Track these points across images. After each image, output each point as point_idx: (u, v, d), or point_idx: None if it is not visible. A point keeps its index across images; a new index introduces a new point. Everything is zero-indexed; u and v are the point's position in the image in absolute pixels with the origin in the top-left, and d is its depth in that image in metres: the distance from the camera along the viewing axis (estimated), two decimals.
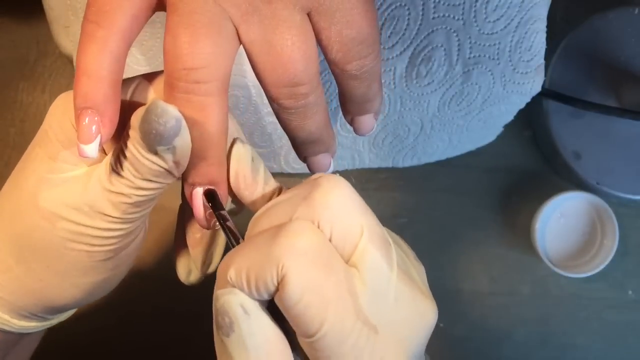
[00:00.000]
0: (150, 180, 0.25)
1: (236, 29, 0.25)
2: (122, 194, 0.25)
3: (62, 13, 0.41)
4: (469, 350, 0.55)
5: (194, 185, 0.27)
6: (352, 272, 0.23)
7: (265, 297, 0.23)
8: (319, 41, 0.27)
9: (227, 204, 0.29)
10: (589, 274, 0.52)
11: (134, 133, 0.24)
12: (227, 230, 0.26)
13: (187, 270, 0.31)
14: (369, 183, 0.55)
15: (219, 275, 0.24)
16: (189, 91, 0.25)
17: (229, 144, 0.28)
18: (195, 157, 0.26)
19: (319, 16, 0.26)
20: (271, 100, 0.27)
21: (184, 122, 0.24)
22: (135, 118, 0.24)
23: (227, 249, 0.29)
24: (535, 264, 0.54)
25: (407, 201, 0.55)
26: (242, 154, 0.28)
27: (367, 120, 0.31)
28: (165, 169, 0.25)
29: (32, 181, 0.27)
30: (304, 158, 0.31)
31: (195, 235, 0.31)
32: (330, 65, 0.28)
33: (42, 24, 0.43)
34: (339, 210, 0.24)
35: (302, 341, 0.23)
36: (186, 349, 0.53)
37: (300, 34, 0.25)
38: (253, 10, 0.25)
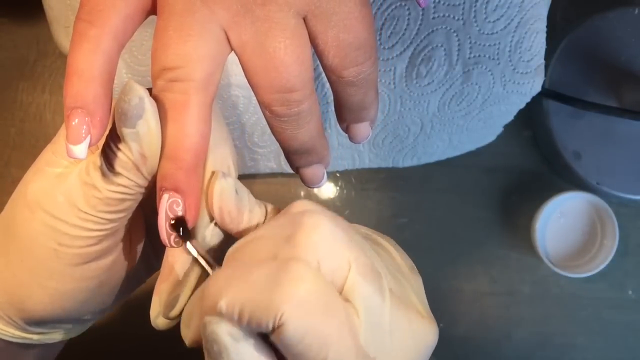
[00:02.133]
0: (120, 174, 0.25)
1: (226, 33, 0.25)
2: (94, 186, 0.25)
3: (62, 13, 0.41)
4: (469, 350, 0.55)
5: (161, 191, 0.25)
6: (348, 307, 0.23)
7: (256, 332, 0.23)
8: (314, 46, 0.26)
9: (206, 229, 0.27)
10: (589, 274, 0.52)
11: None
12: (201, 257, 0.26)
13: (158, 311, 0.29)
14: (369, 183, 0.55)
15: (206, 297, 0.23)
16: (164, 89, 0.24)
17: (208, 174, 0.27)
18: (164, 157, 0.25)
19: (315, 20, 0.25)
20: (263, 107, 0.26)
21: (147, 104, 0.24)
22: None
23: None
24: (535, 264, 0.54)
25: (407, 201, 0.55)
26: (224, 189, 0.27)
27: (362, 128, 0.30)
28: (130, 160, 0.24)
29: (31, 172, 0.27)
30: (296, 169, 0.30)
31: (164, 270, 0.29)
32: (326, 72, 0.27)
33: (42, 24, 0.43)
34: (324, 248, 0.23)
35: None
36: None
37: (294, 37, 0.25)
38: (245, 12, 0.24)
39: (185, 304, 0.28)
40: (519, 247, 0.55)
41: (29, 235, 0.26)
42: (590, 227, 0.54)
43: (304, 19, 0.25)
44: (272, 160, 0.50)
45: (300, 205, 0.26)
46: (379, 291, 0.24)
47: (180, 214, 0.25)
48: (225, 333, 0.22)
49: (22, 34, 0.54)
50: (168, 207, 0.25)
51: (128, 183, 0.25)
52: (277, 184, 0.54)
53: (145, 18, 0.26)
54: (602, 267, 0.52)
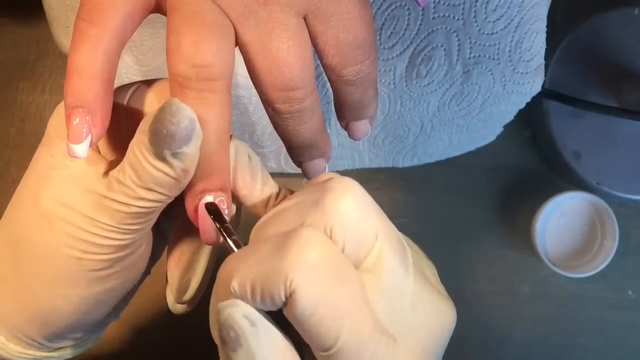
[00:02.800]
0: (153, 190, 0.24)
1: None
2: (120, 202, 0.24)
3: (62, 13, 0.41)
4: (469, 350, 0.55)
5: (203, 193, 0.25)
6: (367, 279, 0.22)
7: (272, 309, 0.22)
8: (314, 45, 0.26)
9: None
10: (589, 274, 0.52)
11: (141, 136, 0.23)
12: (233, 243, 0.25)
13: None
14: (369, 183, 0.55)
15: (218, 283, 0.23)
16: (202, 89, 0.24)
17: None
18: (206, 160, 0.24)
19: (315, 20, 0.25)
20: (266, 104, 0.26)
21: (197, 126, 0.23)
22: (146, 119, 0.23)
23: (212, 276, 0.27)
24: (535, 264, 0.54)
25: (407, 201, 0.55)
26: (239, 151, 0.26)
27: (362, 126, 0.30)
28: (172, 177, 0.23)
29: (34, 180, 0.26)
30: (298, 163, 0.30)
31: (174, 256, 0.28)
32: (326, 71, 0.27)
33: (42, 24, 0.43)
34: (352, 214, 0.22)
35: (317, 354, 0.22)
36: None
37: (295, 37, 0.25)
38: (249, 12, 0.25)
39: (197, 287, 0.28)
40: (519, 247, 0.55)
41: (47, 246, 0.25)
42: (590, 227, 0.54)
43: (305, 19, 0.26)
44: (272, 160, 0.50)
45: (326, 175, 0.25)
46: (403, 264, 0.23)
47: (227, 212, 0.25)
48: (241, 317, 0.21)
49: (22, 34, 0.54)
50: (207, 211, 0.25)
51: (161, 198, 0.24)
52: None
53: (147, 15, 0.26)
54: (602, 267, 0.52)
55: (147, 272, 0.31)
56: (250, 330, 0.21)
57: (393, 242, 0.23)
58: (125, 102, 0.27)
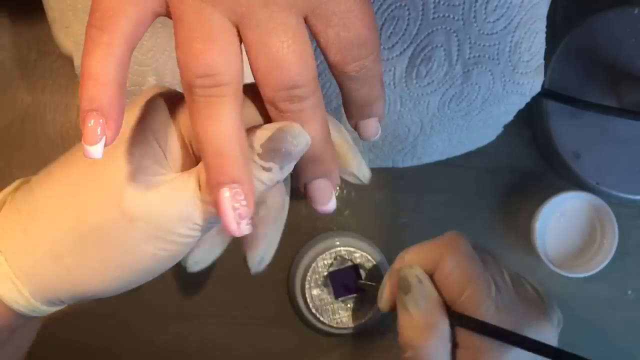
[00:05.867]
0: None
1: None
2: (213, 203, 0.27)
3: (62, 13, 0.41)
4: None
5: (219, 186, 0.26)
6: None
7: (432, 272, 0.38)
8: (317, 43, 0.27)
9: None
10: (589, 274, 0.52)
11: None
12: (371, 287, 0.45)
13: (259, 259, 0.35)
14: (369, 183, 0.55)
15: (399, 261, 0.39)
16: (210, 95, 0.25)
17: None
18: (217, 155, 0.26)
19: (315, 19, 0.26)
20: (268, 104, 0.27)
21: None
22: (256, 138, 0.27)
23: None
24: (535, 264, 0.54)
25: (407, 201, 0.55)
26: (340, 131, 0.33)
27: (371, 124, 0.30)
28: (267, 185, 0.27)
29: (119, 178, 0.27)
30: (303, 185, 0.30)
31: (254, 231, 0.33)
32: (331, 69, 0.28)
33: (42, 24, 0.43)
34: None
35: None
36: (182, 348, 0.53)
37: (296, 36, 0.25)
38: (250, 14, 0.25)
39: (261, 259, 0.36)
40: (519, 247, 0.55)
41: (128, 243, 0.27)
42: (590, 227, 0.54)
43: (305, 19, 0.26)
44: None
45: None
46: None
47: (244, 203, 0.26)
48: (413, 274, 0.38)
49: (22, 34, 0.54)
50: (232, 198, 0.26)
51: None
52: None
53: (154, 19, 0.26)
54: (601, 267, 0.52)
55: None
56: (416, 283, 0.37)
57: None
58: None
